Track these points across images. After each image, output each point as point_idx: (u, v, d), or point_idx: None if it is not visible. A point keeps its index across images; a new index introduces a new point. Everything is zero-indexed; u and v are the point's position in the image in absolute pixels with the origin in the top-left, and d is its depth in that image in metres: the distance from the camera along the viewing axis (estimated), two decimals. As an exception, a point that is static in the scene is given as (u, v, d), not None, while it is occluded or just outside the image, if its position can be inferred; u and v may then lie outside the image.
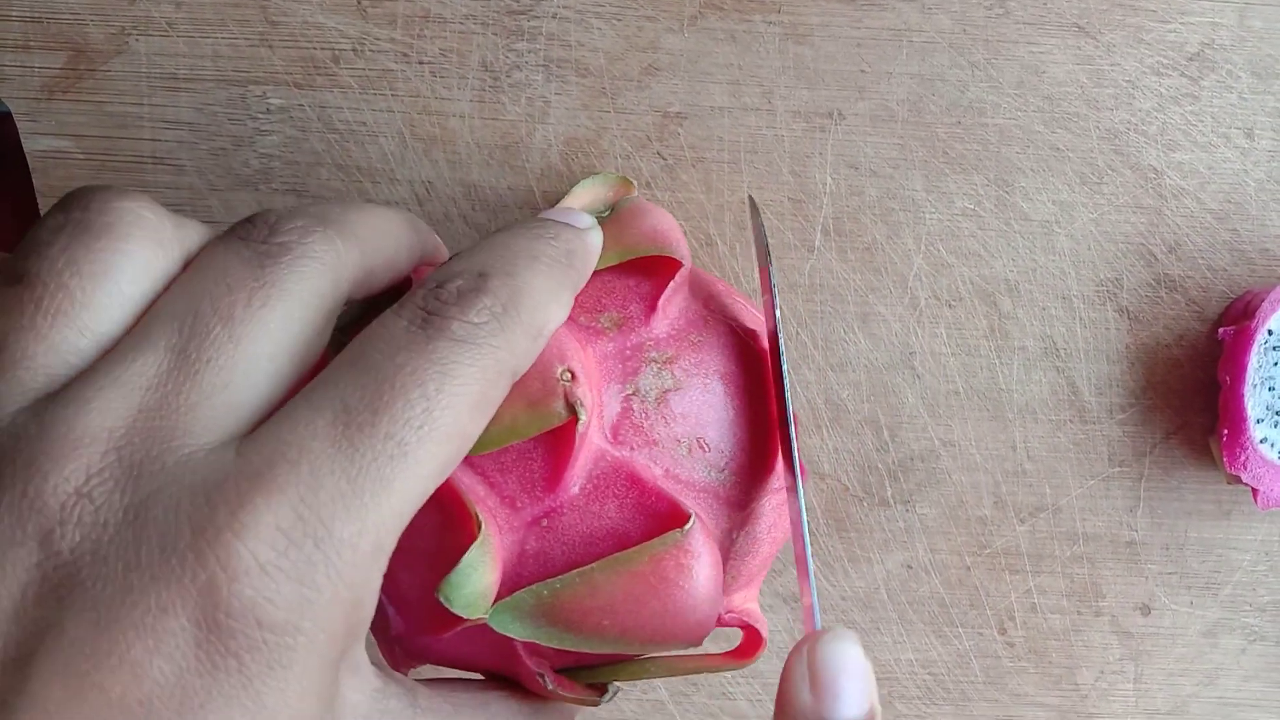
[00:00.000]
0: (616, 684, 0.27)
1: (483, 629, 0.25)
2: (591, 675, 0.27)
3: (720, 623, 0.27)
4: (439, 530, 0.24)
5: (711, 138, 0.35)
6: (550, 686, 0.25)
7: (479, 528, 0.23)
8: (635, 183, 0.35)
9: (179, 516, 0.19)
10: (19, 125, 0.35)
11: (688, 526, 0.24)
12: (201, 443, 0.20)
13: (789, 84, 0.35)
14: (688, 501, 0.25)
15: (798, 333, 0.36)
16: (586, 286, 0.26)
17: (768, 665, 0.38)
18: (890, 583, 0.37)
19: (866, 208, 0.35)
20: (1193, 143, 0.35)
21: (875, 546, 0.37)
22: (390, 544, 0.20)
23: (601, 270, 0.27)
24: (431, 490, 0.21)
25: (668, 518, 0.24)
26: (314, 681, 0.19)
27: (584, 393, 0.23)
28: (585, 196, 0.31)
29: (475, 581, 0.23)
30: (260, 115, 0.35)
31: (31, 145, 0.35)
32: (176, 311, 0.21)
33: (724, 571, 0.26)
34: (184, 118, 0.35)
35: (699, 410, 0.25)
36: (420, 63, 0.35)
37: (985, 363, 0.36)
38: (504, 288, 0.22)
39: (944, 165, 0.35)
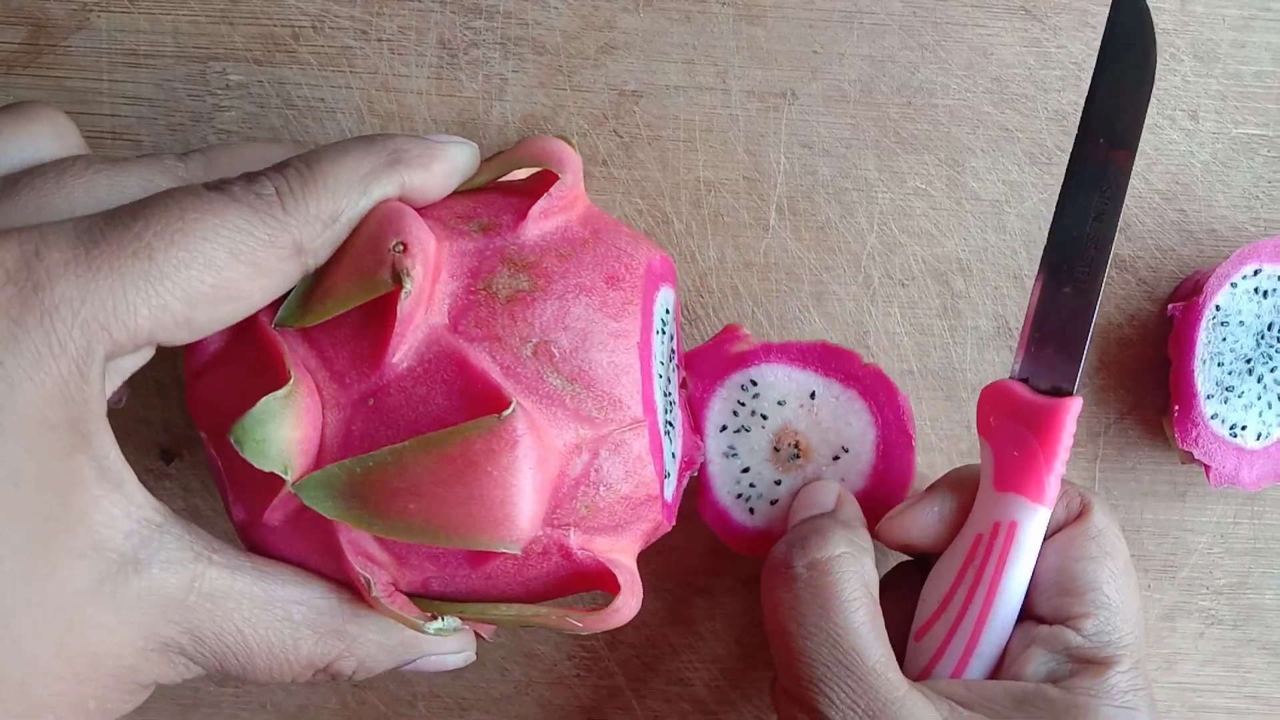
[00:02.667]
0: (453, 619, 0.26)
1: (312, 524, 0.24)
2: (434, 606, 0.26)
3: (576, 563, 0.26)
4: (258, 392, 0.23)
5: (667, 116, 0.35)
6: (374, 593, 0.24)
7: (289, 380, 0.23)
8: (574, 141, 0.35)
9: None
10: (-22, 100, 0.35)
11: (505, 413, 0.23)
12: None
13: (743, 64, 0.35)
14: (524, 401, 0.24)
15: (753, 311, 0.36)
16: (465, 200, 0.27)
17: (727, 649, 0.38)
18: (848, 565, 0.37)
19: (820, 187, 0.36)
20: (1139, 124, 0.36)
21: (832, 528, 0.37)
22: (122, 340, 0.21)
23: (485, 187, 0.27)
24: (180, 315, 0.22)
25: (488, 404, 0.24)
26: (25, 436, 0.20)
27: (413, 264, 0.23)
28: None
29: (271, 430, 0.23)
30: (219, 91, 0.35)
31: (-10, 120, 0.35)
32: None
33: (566, 490, 0.25)
34: (144, 94, 0.35)
35: (551, 317, 0.25)
36: (379, 40, 0.35)
37: (939, 342, 0.37)
38: (298, 174, 0.24)
39: (895, 145, 0.36)
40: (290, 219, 0.23)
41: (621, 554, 0.27)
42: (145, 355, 0.23)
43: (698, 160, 0.36)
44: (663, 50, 0.35)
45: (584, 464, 0.25)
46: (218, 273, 0.22)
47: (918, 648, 0.31)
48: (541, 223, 0.26)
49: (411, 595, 0.26)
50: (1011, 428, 0.30)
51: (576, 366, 0.25)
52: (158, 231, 0.21)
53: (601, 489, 0.26)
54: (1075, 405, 0.30)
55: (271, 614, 0.24)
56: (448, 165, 0.26)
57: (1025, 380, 0.31)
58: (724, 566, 0.37)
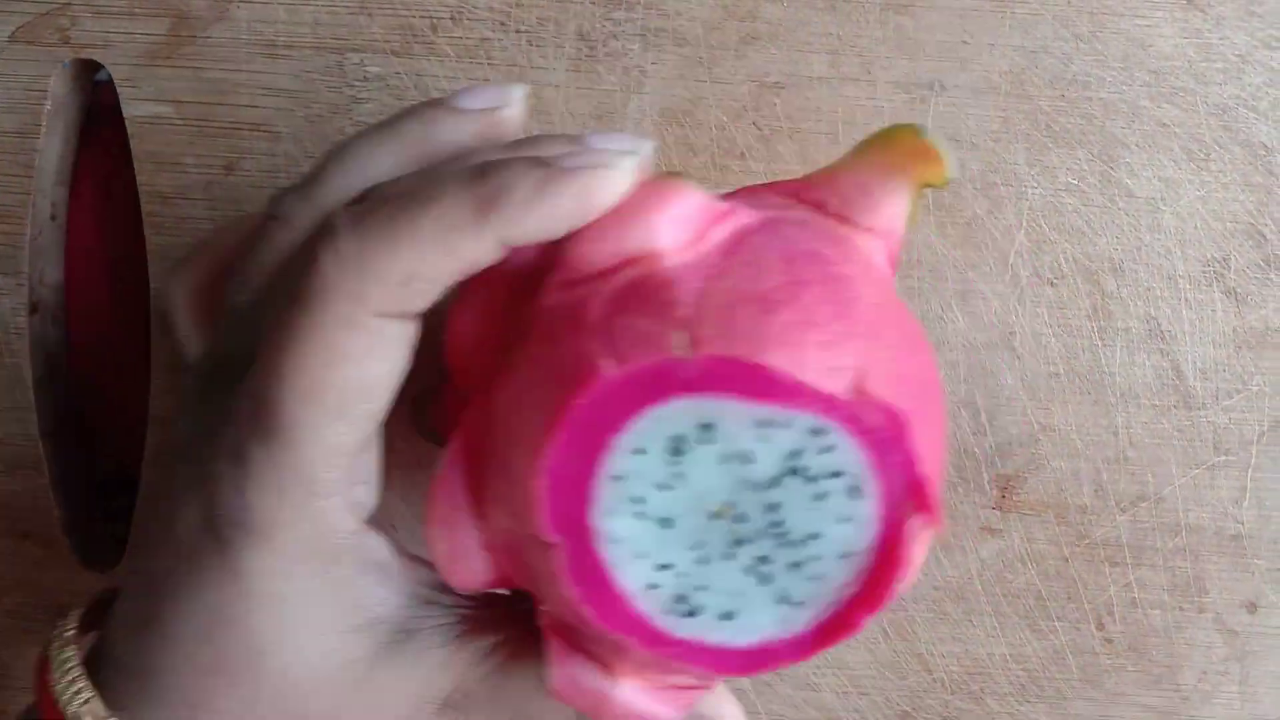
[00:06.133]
0: None
1: None
2: None
3: None
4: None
5: (809, 108, 0.35)
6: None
7: None
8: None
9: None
10: (119, 91, 0.35)
11: None
12: None
13: (889, 54, 0.34)
14: None
15: (893, 310, 0.35)
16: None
17: (855, 656, 0.37)
18: (984, 573, 0.36)
19: (967, 181, 0.35)
20: (1305, 119, 0.34)
21: (969, 535, 0.36)
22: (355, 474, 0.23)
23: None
24: (372, 410, 0.22)
25: None
26: (300, 563, 0.23)
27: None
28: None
29: None
30: (357, 83, 0.35)
31: (131, 111, 0.35)
32: None
33: None
34: (282, 85, 0.35)
35: None
36: (517, 31, 0.35)
37: (1087, 344, 0.35)
38: (352, 232, 0.21)
39: (1047, 139, 0.35)
40: (348, 290, 0.21)
41: None
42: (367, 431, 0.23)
43: (840, 153, 0.35)
44: (806, 40, 0.34)
45: None
46: (339, 368, 0.21)
47: None
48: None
49: None
50: None
51: None
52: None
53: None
54: None
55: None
56: (571, 205, 0.20)
57: None
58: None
